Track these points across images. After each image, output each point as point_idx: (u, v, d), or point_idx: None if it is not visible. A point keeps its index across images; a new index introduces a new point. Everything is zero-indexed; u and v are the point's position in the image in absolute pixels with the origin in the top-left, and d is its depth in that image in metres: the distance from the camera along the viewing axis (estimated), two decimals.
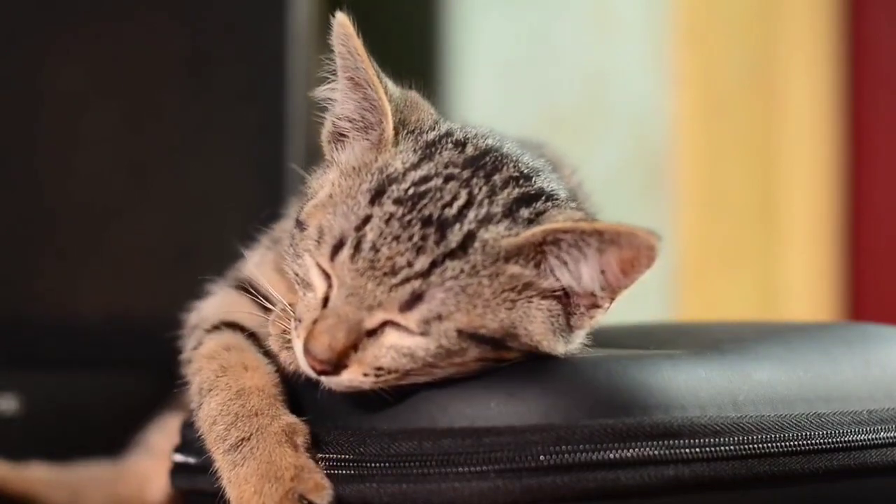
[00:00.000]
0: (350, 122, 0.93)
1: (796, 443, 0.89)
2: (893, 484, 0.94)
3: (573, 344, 0.90)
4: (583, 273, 0.86)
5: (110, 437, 1.32)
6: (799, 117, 2.43)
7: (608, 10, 2.35)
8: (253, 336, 0.96)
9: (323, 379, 0.86)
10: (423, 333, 0.85)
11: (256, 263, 1.01)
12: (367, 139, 0.92)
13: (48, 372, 1.53)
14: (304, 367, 0.87)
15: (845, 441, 0.91)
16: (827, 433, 0.90)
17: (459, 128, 0.95)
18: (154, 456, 1.26)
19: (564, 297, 0.88)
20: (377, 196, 0.87)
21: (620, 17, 2.34)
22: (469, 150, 0.91)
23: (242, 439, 0.88)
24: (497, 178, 0.89)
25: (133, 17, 1.58)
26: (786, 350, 0.96)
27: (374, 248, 0.85)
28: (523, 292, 0.86)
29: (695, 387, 0.88)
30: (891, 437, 0.93)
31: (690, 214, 2.35)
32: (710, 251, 2.38)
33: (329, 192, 0.90)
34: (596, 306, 0.88)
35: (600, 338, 1.03)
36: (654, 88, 2.33)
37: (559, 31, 2.35)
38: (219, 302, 1.01)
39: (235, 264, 1.04)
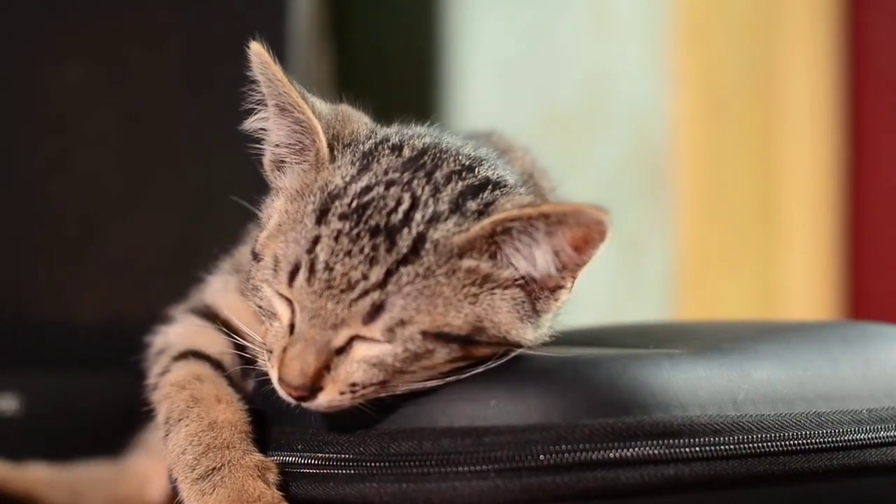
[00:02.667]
0: (286, 147, 0.93)
1: (796, 442, 0.89)
2: (893, 483, 0.94)
3: (542, 328, 0.90)
4: (537, 258, 0.86)
5: (110, 437, 1.32)
6: (799, 117, 2.43)
7: (608, 10, 2.34)
8: (220, 366, 0.97)
9: (303, 404, 0.87)
10: (389, 341, 0.85)
11: (219, 290, 1.01)
12: (306, 161, 0.92)
13: (48, 372, 1.53)
14: (283, 396, 0.87)
15: (845, 440, 0.91)
16: (827, 432, 0.90)
17: (395, 131, 0.94)
18: (154, 456, 1.26)
19: (527, 284, 0.88)
20: (322, 215, 0.87)
21: (620, 17, 2.34)
22: (406, 152, 0.91)
23: (213, 469, 0.89)
24: (438, 175, 0.89)
25: (132, 17, 1.58)
26: (785, 349, 0.96)
27: (328, 268, 0.84)
28: (484, 285, 0.86)
29: (694, 386, 0.88)
30: (891, 437, 0.93)
31: (690, 214, 2.35)
32: (710, 251, 2.38)
33: (278, 221, 0.90)
34: (559, 287, 0.88)
35: (600, 337, 1.03)
36: (654, 88, 2.33)
37: (559, 31, 2.35)
38: (183, 329, 1.01)
39: (198, 288, 1.04)
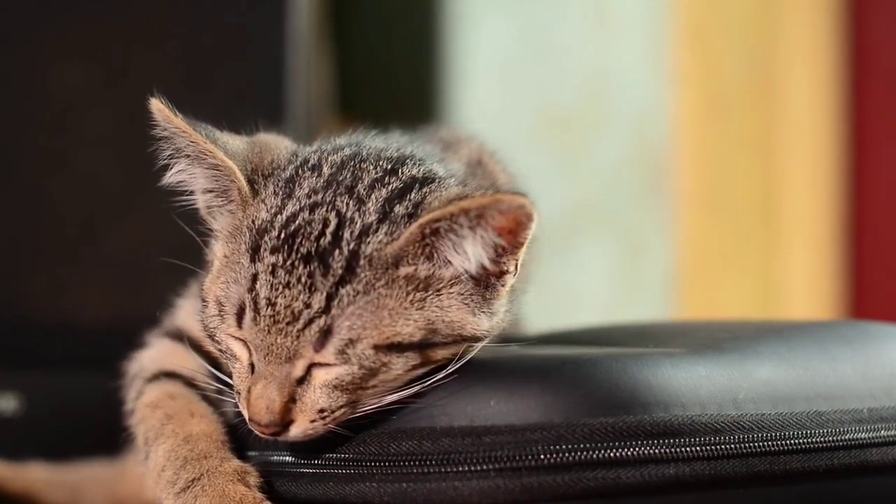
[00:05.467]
0: (210, 192, 0.93)
1: (797, 441, 0.89)
2: (894, 482, 0.94)
3: (497, 315, 0.89)
4: (469, 251, 0.86)
5: (110, 437, 1.32)
6: (799, 116, 2.43)
7: (608, 10, 2.34)
8: (193, 384, 0.97)
9: (279, 439, 0.87)
10: (344, 362, 0.84)
11: (189, 313, 1.01)
12: (231, 201, 0.92)
13: (48, 372, 1.53)
14: (259, 434, 0.87)
15: (846, 439, 0.91)
16: (827, 431, 0.90)
17: (315, 150, 0.93)
18: None
19: (470, 277, 0.87)
20: (255, 252, 0.86)
21: (620, 16, 2.34)
22: (325, 170, 0.90)
23: (193, 480, 0.89)
24: (360, 187, 0.88)
25: (132, 17, 1.58)
26: (786, 348, 0.96)
27: (271, 303, 0.84)
28: (429, 288, 0.86)
29: (695, 385, 0.88)
30: (891, 436, 0.93)
31: (691, 214, 2.35)
32: (711, 251, 2.37)
33: (218, 265, 0.90)
34: (503, 273, 0.88)
35: (601, 337, 1.03)
36: (654, 88, 2.33)
37: (559, 30, 2.35)
38: (156, 352, 1.01)
39: (170, 313, 1.04)
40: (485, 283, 0.87)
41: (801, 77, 2.43)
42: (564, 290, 2.30)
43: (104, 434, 1.31)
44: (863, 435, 0.92)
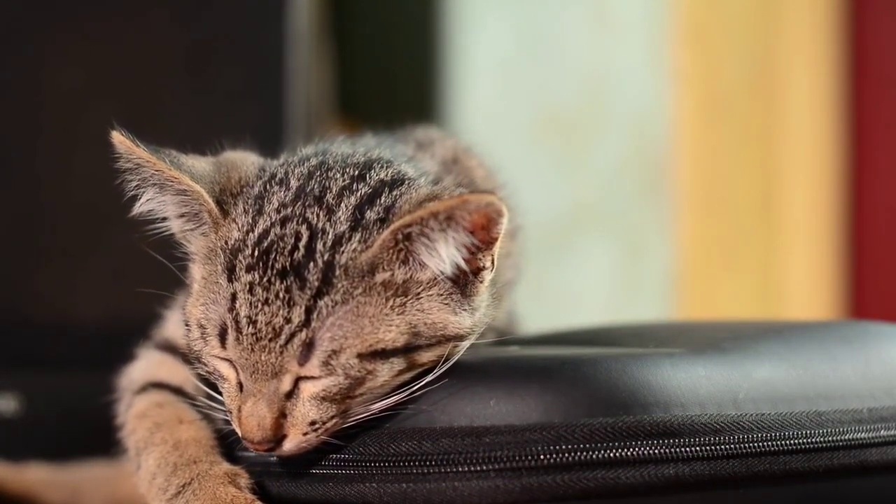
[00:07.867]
0: (182, 217, 0.92)
1: (796, 441, 0.89)
2: (894, 482, 0.94)
3: (479, 311, 0.89)
4: (443, 253, 0.86)
5: (110, 437, 1.32)
6: (799, 116, 2.43)
7: (608, 10, 2.35)
8: (182, 393, 0.97)
9: (275, 454, 0.87)
10: (330, 373, 0.84)
11: (177, 323, 1.00)
12: (203, 224, 0.91)
13: (48, 372, 1.53)
14: (254, 452, 0.87)
15: (845, 439, 0.91)
16: (827, 431, 0.90)
17: (281, 163, 0.93)
18: None
19: (447, 277, 0.87)
20: (231, 272, 0.86)
21: (620, 16, 2.35)
22: (292, 182, 0.90)
23: (184, 485, 0.89)
24: (328, 197, 0.88)
25: (133, 17, 1.58)
26: (786, 348, 0.96)
27: (251, 321, 0.84)
28: (408, 292, 0.86)
29: (695, 385, 0.88)
30: (891, 436, 0.93)
31: (691, 214, 2.35)
32: (711, 251, 2.38)
33: (197, 286, 0.90)
34: (479, 269, 0.88)
35: (601, 337, 1.03)
36: (654, 88, 2.33)
37: (558, 30, 2.35)
38: (144, 364, 1.02)
39: (158, 325, 1.04)
40: (463, 281, 0.87)
41: (801, 77, 2.43)
42: (564, 290, 2.30)
43: (104, 434, 1.31)
44: (863, 435, 0.92)
